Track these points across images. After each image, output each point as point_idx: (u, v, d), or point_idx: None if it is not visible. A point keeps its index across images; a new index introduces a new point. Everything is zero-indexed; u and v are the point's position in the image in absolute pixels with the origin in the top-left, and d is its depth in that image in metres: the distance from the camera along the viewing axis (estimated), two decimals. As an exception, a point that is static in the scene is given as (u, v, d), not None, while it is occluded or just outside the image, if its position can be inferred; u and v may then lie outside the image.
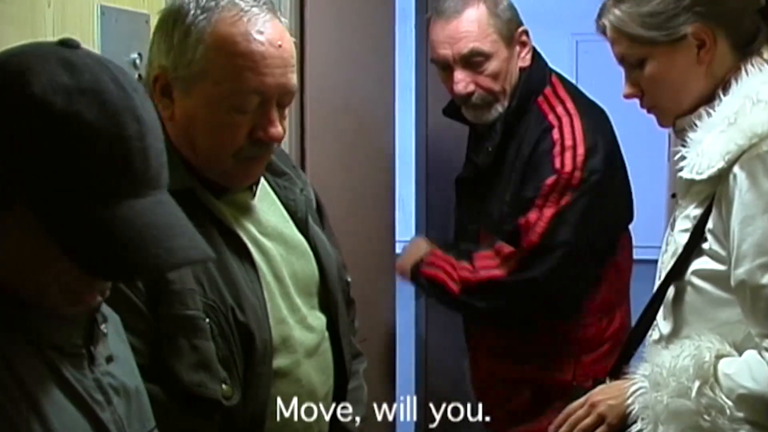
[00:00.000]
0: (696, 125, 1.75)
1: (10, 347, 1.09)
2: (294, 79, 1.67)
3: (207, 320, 1.60)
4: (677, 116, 1.84)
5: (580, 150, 2.45)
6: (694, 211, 1.76)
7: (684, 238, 1.78)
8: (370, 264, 2.99)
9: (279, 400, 1.70)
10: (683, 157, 1.75)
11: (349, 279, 1.98)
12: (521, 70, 2.59)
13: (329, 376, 1.83)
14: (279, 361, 1.70)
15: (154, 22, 1.78)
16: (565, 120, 2.50)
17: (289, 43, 1.66)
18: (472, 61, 2.53)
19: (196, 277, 1.59)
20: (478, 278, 2.53)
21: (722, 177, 1.67)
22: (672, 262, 1.80)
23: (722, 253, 1.71)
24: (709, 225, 1.73)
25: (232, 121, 1.62)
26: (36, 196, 1.06)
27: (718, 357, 1.67)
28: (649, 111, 1.90)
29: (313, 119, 2.73)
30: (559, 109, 2.53)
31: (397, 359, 3.50)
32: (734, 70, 1.77)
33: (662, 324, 1.83)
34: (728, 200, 1.67)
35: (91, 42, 1.95)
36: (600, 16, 1.85)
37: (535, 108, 2.56)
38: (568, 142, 2.46)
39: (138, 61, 1.94)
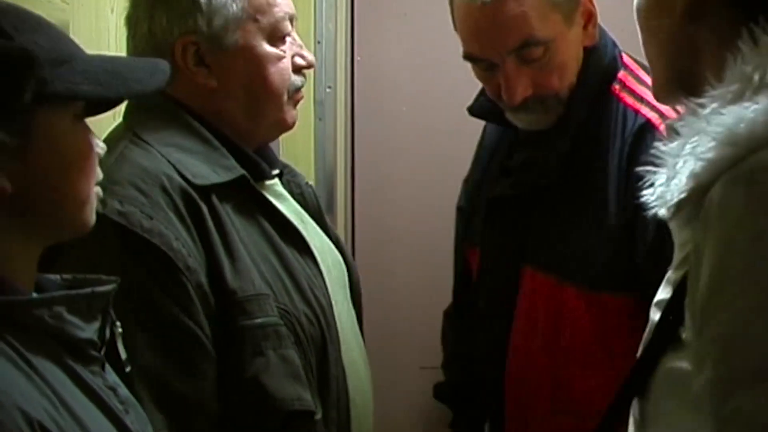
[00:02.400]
0: (677, 129, 1.14)
1: (32, 354, 1.07)
2: None
3: (285, 327, 1.48)
4: (663, 95, 1.31)
5: None
6: (674, 274, 1.18)
7: (658, 314, 1.19)
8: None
9: (354, 402, 1.60)
10: (651, 184, 1.17)
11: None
12: (585, 50, 1.84)
13: (368, 372, 1.72)
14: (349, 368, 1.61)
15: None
16: (665, 109, 1.71)
17: None
18: (528, 55, 1.77)
19: (264, 280, 1.48)
20: None
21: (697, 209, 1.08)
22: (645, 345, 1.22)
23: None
24: (687, 299, 1.10)
25: (278, 53, 1.57)
26: None
27: None
28: None
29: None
30: (649, 97, 1.72)
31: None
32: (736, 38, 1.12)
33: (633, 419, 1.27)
34: (697, 251, 1.07)
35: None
36: None
37: (613, 100, 1.82)
38: None
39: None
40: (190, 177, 1.45)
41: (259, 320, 1.44)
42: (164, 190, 1.43)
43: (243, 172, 1.51)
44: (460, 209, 2.19)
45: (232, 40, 1.53)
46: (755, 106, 1.05)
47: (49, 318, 1.07)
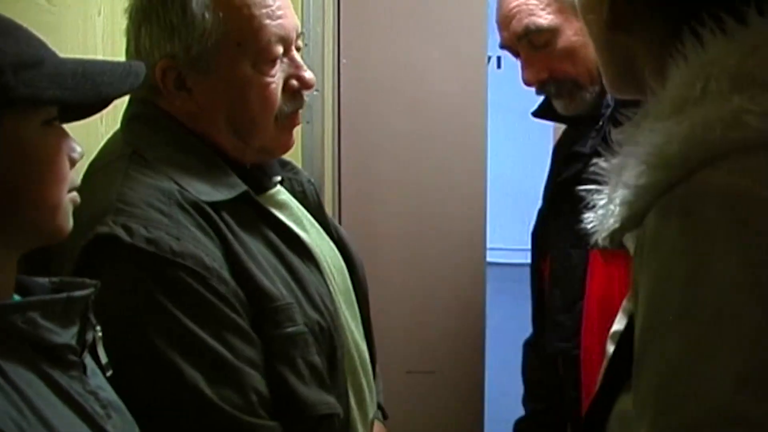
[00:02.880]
0: (617, 142, 1.03)
1: (3, 359, 1.06)
2: None
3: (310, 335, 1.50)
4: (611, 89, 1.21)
5: None
6: (627, 304, 1.10)
7: (612, 347, 1.10)
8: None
9: (354, 410, 1.63)
10: (593, 205, 1.06)
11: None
12: None
13: (371, 380, 1.74)
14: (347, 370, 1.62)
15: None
16: None
17: None
18: (534, 41, 1.95)
19: (288, 291, 1.49)
20: None
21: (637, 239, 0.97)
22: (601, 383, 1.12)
23: None
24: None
25: (263, 79, 1.51)
26: None
27: None
28: None
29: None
30: None
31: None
32: (674, 39, 1.00)
33: None
34: (634, 288, 0.97)
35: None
36: None
37: None
38: None
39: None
40: (196, 194, 1.44)
41: (288, 329, 1.46)
42: (181, 207, 1.42)
43: (245, 188, 1.51)
44: (533, 233, 2.20)
45: (213, 65, 1.48)
46: (689, 120, 0.92)
47: (22, 323, 1.07)
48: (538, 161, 3.57)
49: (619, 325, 1.08)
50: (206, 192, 1.45)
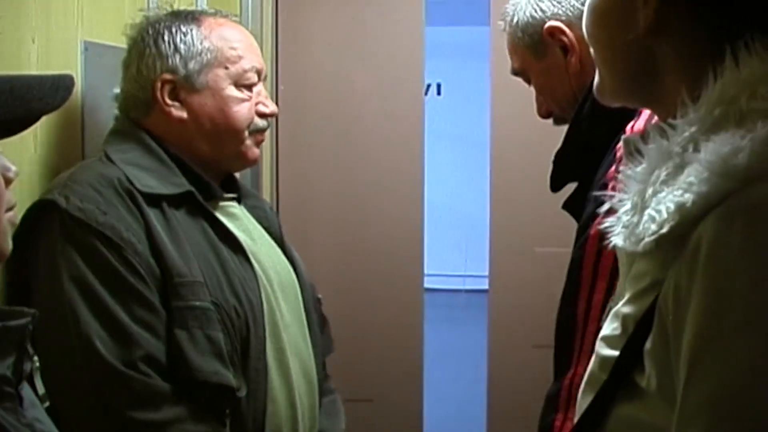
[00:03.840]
0: (640, 152, 1.06)
1: None
2: None
3: (214, 312, 1.69)
4: (609, 96, 1.20)
5: None
6: (627, 309, 1.06)
7: (605, 350, 1.08)
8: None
9: (273, 397, 1.77)
10: (612, 210, 1.08)
11: (320, 296, 2.08)
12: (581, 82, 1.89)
13: (312, 384, 1.89)
14: (270, 360, 1.78)
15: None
16: None
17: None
18: (522, 79, 2.05)
19: (201, 272, 1.71)
20: None
21: (675, 248, 0.97)
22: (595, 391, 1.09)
23: (658, 400, 0.99)
24: (648, 343, 1.00)
25: (243, 96, 1.84)
26: None
27: None
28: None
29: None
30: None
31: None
32: (710, 54, 1.03)
33: None
34: (679, 295, 0.95)
35: (75, 77, 1.94)
36: None
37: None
38: None
39: (122, 96, 1.95)
40: (139, 186, 1.72)
41: (190, 303, 1.67)
42: (116, 191, 1.70)
43: (190, 188, 1.78)
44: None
45: (204, 81, 1.82)
46: (752, 135, 0.94)
47: None
48: (475, 187, 3.64)
49: (611, 329, 1.08)
50: (151, 185, 1.74)
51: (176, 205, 1.76)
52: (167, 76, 1.80)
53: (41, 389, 1.20)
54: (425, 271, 3.53)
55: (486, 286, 3.51)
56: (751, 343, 0.88)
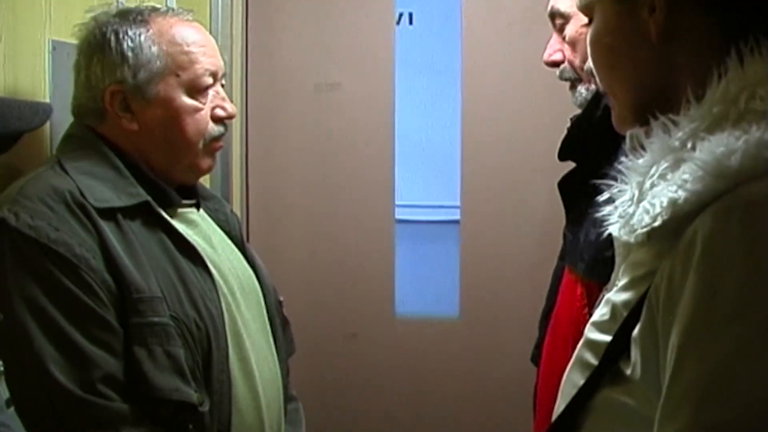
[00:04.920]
0: (641, 146, 1.10)
1: None
2: None
3: (174, 328, 1.64)
4: (631, 119, 1.19)
5: None
6: (621, 296, 1.10)
7: (599, 336, 1.12)
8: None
9: (239, 409, 1.73)
10: (611, 200, 1.12)
11: (282, 299, 2.01)
12: None
13: (278, 390, 1.86)
14: (235, 371, 1.74)
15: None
16: None
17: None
18: (555, 23, 2.05)
19: (160, 287, 1.65)
20: None
21: (670, 240, 1.01)
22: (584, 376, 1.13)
23: (642, 387, 1.03)
24: (636, 331, 1.04)
25: (196, 105, 1.75)
26: None
27: None
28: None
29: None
30: None
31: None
32: (717, 54, 1.07)
33: None
34: (671, 286, 0.99)
35: (43, 76, 1.91)
36: None
37: None
38: None
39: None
40: (92, 201, 1.64)
41: (149, 319, 1.61)
42: (67, 205, 1.62)
43: (146, 198, 1.71)
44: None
45: (154, 91, 1.72)
46: (746, 137, 0.98)
47: None
48: (446, 119, 3.60)
49: (602, 315, 1.13)
50: (106, 198, 1.66)
51: (132, 217, 1.69)
52: (116, 87, 1.71)
53: (6, 394, 1.20)
54: (396, 202, 3.55)
55: (458, 217, 3.53)
56: (740, 334, 0.92)
